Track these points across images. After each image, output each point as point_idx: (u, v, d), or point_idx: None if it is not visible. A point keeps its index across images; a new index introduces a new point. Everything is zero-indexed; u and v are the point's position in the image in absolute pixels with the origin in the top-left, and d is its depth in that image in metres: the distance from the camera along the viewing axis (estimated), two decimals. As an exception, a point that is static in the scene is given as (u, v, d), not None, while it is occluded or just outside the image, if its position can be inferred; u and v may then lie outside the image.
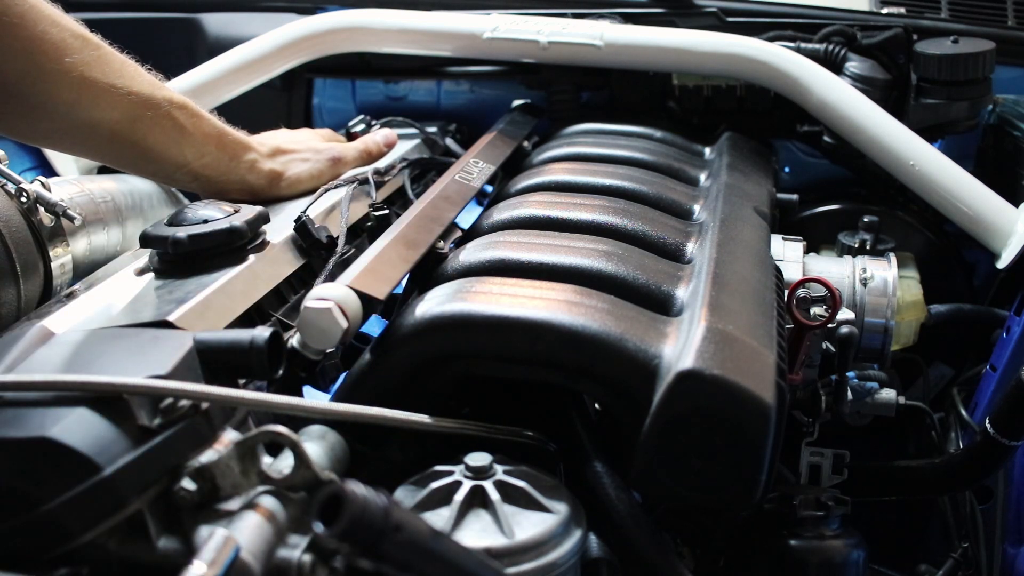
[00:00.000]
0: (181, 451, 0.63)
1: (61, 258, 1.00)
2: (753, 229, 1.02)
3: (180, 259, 0.87)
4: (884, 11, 1.52)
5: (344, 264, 0.87)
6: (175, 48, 1.62)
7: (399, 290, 0.94)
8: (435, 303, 0.80)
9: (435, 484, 0.73)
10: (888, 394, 1.10)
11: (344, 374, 0.87)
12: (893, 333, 1.09)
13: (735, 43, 1.34)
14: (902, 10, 1.52)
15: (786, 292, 0.97)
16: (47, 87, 0.89)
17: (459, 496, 0.71)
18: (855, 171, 1.46)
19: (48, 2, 0.90)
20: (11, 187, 0.97)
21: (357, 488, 0.55)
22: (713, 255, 0.90)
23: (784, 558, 1.01)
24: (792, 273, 1.06)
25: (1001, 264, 1.19)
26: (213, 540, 0.56)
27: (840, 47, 1.39)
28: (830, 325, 0.97)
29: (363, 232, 1.05)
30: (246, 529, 0.58)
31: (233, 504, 0.62)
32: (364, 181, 1.10)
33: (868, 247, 1.28)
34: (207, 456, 0.62)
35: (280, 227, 0.97)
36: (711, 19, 1.50)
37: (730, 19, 1.50)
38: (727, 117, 1.44)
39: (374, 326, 1.00)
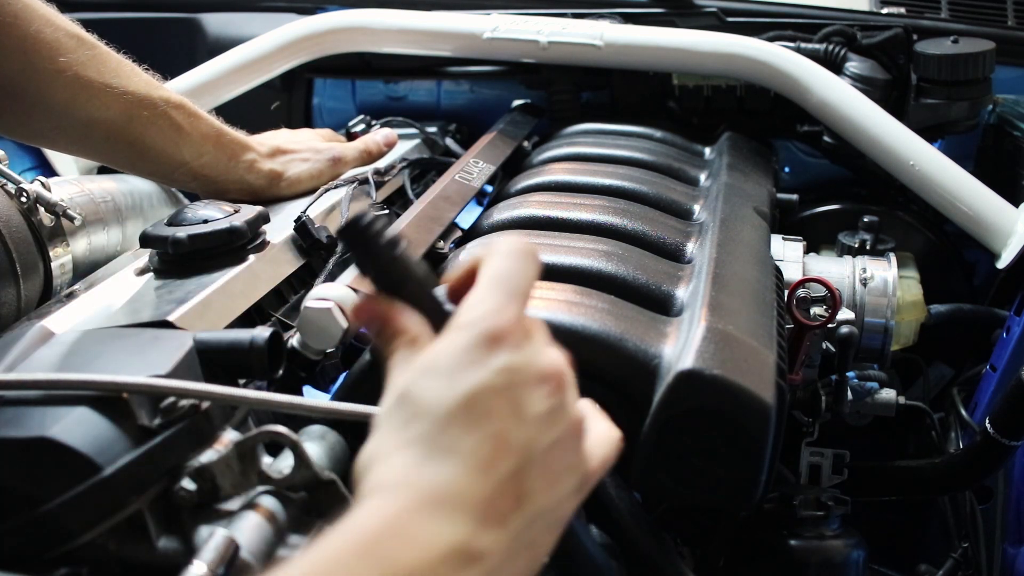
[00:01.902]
0: (181, 451, 0.62)
1: (61, 258, 1.00)
2: (753, 229, 1.02)
3: (180, 259, 0.87)
4: (884, 11, 1.52)
5: (344, 264, 0.86)
6: (175, 48, 1.62)
7: (399, 290, 0.94)
8: (435, 303, 0.80)
9: (435, 484, 0.73)
10: (888, 394, 1.10)
11: (344, 374, 0.87)
12: (893, 333, 1.09)
13: (735, 43, 1.34)
14: (902, 10, 1.52)
15: (786, 292, 0.97)
16: (42, 86, 0.89)
17: (459, 496, 0.71)
18: (855, 171, 1.46)
19: (43, 2, 0.90)
20: (11, 187, 0.97)
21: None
22: (713, 255, 0.90)
23: (784, 558, 1.01)
24: (792, 273, 1.05)
25: (1001, 264, 1.19)
26: (213, 540, 0.56)
27: (840, 47, 1.39)
28: (830, 325, 0.97)
29: (363, 232, 1.05)
30: (246, 529, 0.58)
31: (233, 504, 0.62)
32: (364, 181, 1.10)
33: (868, 247, 1.28)
34: (207, 456, 0.62)
35: (280, 227, 0.96)
36: (711, 19, 1.49)
37: (730, 19, 1.49)
38: (727, 117, 1.44)
39: (374, 326, 0.99)
